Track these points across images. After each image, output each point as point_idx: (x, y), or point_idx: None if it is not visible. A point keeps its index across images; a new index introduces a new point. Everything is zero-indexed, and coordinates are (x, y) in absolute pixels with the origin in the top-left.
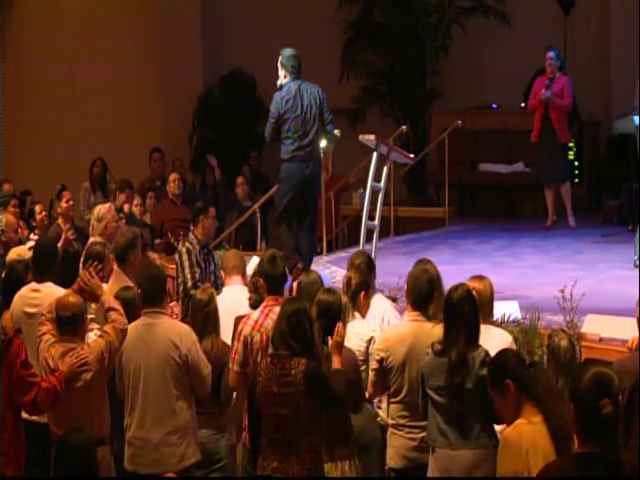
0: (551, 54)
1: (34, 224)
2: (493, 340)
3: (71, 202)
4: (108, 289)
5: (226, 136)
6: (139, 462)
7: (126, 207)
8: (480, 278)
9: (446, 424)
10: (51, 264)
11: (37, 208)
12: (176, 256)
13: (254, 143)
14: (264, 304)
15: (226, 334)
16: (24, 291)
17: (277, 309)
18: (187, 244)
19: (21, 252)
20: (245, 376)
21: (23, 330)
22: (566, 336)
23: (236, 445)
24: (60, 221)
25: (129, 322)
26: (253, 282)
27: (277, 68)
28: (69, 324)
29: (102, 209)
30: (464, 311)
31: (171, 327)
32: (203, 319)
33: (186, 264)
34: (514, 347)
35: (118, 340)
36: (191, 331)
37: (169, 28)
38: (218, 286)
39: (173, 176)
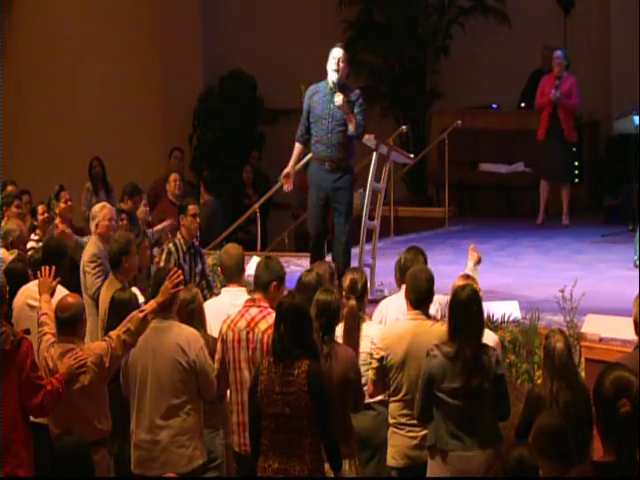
0: (558, 53)
1: (35, 224)
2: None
3: (69, 202)
4: (101, 296)
5: (226, 136)
6: (148, 465)
7: (139, 213)
8: (467, 277)
9: (458, 426)
10: (59, 264)
11: (39, 208)
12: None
13: (254, 143)
14: (243, 304)
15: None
16: (29, 284)
17: (253, 310)
18: (171, 245)
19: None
20: (225, 374)
21: (25, 323)
22: (562, 338)
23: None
24: (58, 221)
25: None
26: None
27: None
28: (68, 325)
29: (96, 208)
30: (472, 311)
31: (179, 332)
32: (188, 317)
33: (161, 265)
34: (499, 346)
35: (122, 349)
36: (199, 336)
37: (169, 28)
38: (210, 286)
39: (174, 176)
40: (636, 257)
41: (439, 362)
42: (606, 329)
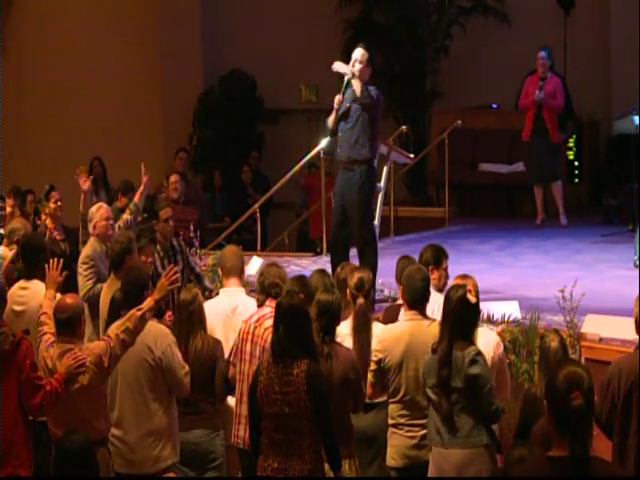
0: (542, 54)
1: (38, 223)
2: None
3: (59, 203)
4: (102, 296)
5: (226, 136)
6: (117, 461)
7: None
8: (464, 277)
9: (440, 422)
10: (39, 261)
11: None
12: None
13: (254, 143)
14: (266, 303)
15: (218, 337)
16: (13, 289)
17: (266, 309)
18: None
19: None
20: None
21: (12, 327)
22: (557, 337)
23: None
24: (48, 221)
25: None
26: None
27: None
28: (67, 325)
29: (93, 209)
30: (452, 308)
31: (147, 330)
32: (188, 318)
33: None
34: (501, 346)
35: (120, 348)
36: (168, 332)
37: (169, 28)
38: (200, 279)
39: (172, 178)
40: (636, 257)
41: (428, 360)
42: (606, 329)
